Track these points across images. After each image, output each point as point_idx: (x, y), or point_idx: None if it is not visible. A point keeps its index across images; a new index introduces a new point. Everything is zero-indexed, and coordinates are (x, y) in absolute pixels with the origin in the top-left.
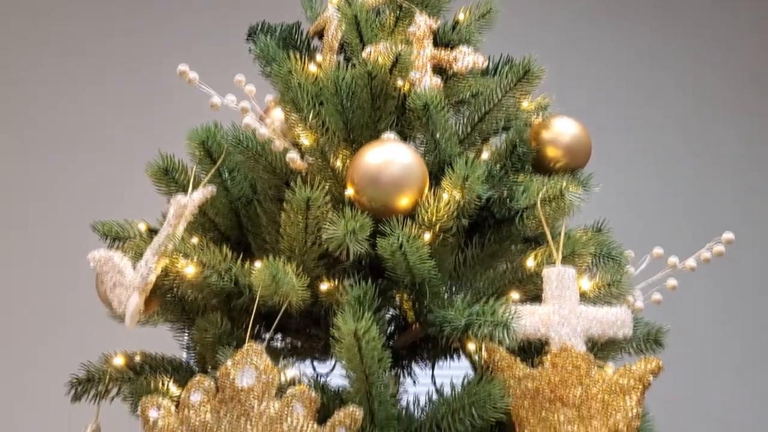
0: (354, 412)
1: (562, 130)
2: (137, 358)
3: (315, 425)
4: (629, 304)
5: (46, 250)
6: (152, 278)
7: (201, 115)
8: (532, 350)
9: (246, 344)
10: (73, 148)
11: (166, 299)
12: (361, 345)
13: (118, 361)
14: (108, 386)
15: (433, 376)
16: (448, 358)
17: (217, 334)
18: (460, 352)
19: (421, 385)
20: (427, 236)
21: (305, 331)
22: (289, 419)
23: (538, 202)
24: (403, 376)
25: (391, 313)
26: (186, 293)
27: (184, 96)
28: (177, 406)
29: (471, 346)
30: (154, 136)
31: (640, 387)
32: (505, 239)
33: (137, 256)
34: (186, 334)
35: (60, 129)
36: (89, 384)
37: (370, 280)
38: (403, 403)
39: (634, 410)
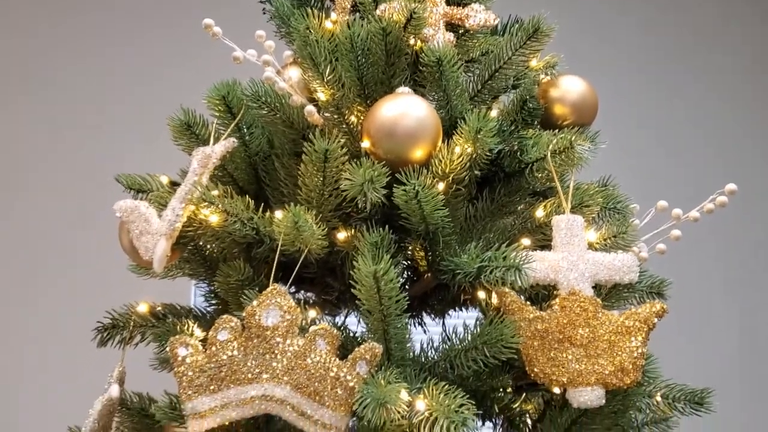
0: (374, 347)
1: (569, 88)
2: (159, 308)
3: (337, 360)
4: (635, 254)
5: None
6: (179, 224)
7: (217, 75)
8: (539, 299)
9: (270, 286)
10: (93, 106)
11: (188, 251)
12: (380, 286)
13: (142, 308)
14: (132, 332)
15: (444, 325)
16: (458, 309)
17: (240, 279)
18: (470, 303)
19: (433, 334)
20: (441, 186)
21: (321, 282)
22: (312, 354)
23: (548, 154)
24: (414, 326)
25: (403, 264)
26: (207, 244)
27: (202, 55)
28: (204, 345)
29: (481, 294)
30: (171, 94)
31: (645, 328)
32: (514, 192)
33: (161, 207)
34: (206, 285)
35: (81, 88)
36: (114, 330)
37: (386, 227)
38: (417, 346)
39: (639, 350)
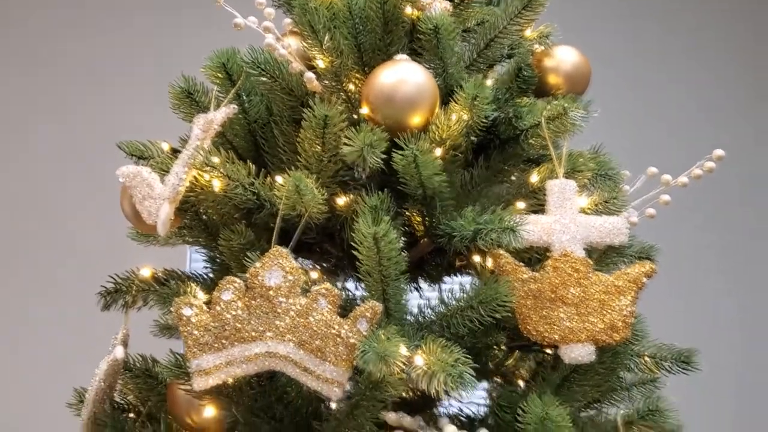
0: (375, 305)
1: (563, 59)
2: (160, 274)
3: (338, 318)
4: (625, 218)
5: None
6: (182, 188)
7: (217, 43)
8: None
9: (272, 248)
10: (94, 76)
11: (189, 218)
12: (380, 247)
13: (145, 272)
14: (135, 296)
15: (440, 290)
16: (454, 275)
17: (242, 243)
18: (465, 269)
19: (430, 299)
20: (438, 152)
21: (319, 249)
22: (314, 313)
23: (543, 121)
24: (410, 291)
25: (401, 229)
26: (208, 210)
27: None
28: (208, 306)
29: (476, 258)
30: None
31: (635, 288)
32: (509, 159)
33: (163, 173)
34: (206, 252)
35: (84, 56)
36: (117, 294)
37: (385, 191)
38: (415, 309)
39: (629, 308)
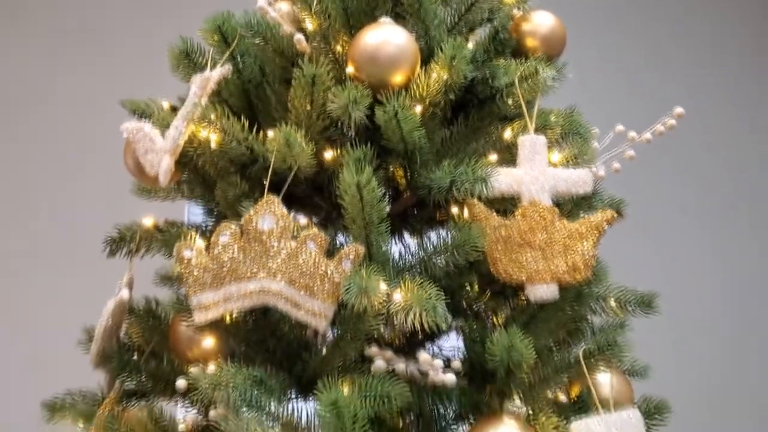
0: (357, 247)
1: (540, 23)
2: (161, 224)
3: (325, 259)
4: (593, 173)
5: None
6: (181, 141)
7: (212, 7)
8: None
9: (265, 196)
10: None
11: (187, 173)
12: (363, 194)
13: (147, 221)
14: (138, 244)
15: (421, 240)
16: (435, 228)
17: (237, 194)
18: (445, 222)
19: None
20: (419, 109)
21: (309, 202)
22: (303, 254)
23: (516, 80)
24: (395, 244)
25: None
26: (205, 165)
27: None
28: (207, 249)
29: (454, 210)
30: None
31: (596, 233)
32: (486, 117)
33: (163, 128)
34: (203, 206)
35: (85, 19)
36: (122, 242)
37: (369, 145)
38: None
39: (590, 252)
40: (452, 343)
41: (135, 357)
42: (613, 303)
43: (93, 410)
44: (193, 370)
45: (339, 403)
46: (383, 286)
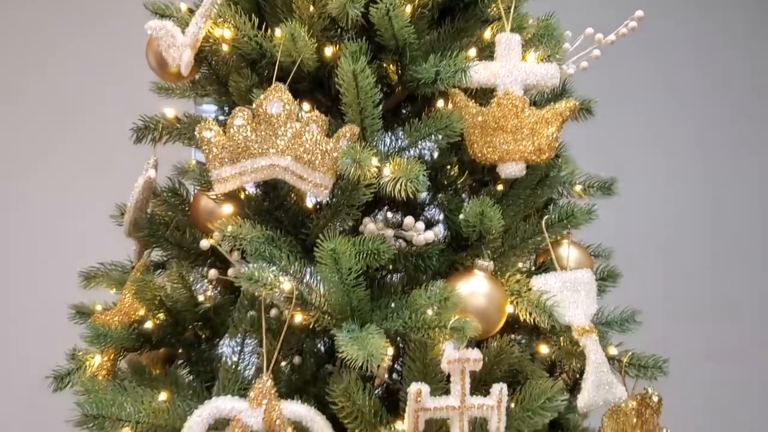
0: (353, 127)
1: None
2: (181, 116)
3: (325, 138)
4: (564, 72)
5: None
6: (201, 35)
7: None
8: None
9: (273, 84)
10: None
11: (202, 73)
12: (358, 81)
13: (169, 112)
14: (162, 132)
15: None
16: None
17: (248, 84)
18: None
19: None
20: (408, 9)
21: (311, 98)
22: (307, 134)
23: None
24: (389, 137)
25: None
26: (219, 62)
27: None
28: (223, 130)
29: (440, 103)
30: None
31: (560, 119)
32: (470, 19)
33: (182, 27)
34: (216, 101)
35: None
36: (146, 131)
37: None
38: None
39: (554, 135)
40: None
41: (161, 231)
42: (578, 187)
43: (124, 278)
44: (216, 225)
45: (337, 250)
46: (375, 160)
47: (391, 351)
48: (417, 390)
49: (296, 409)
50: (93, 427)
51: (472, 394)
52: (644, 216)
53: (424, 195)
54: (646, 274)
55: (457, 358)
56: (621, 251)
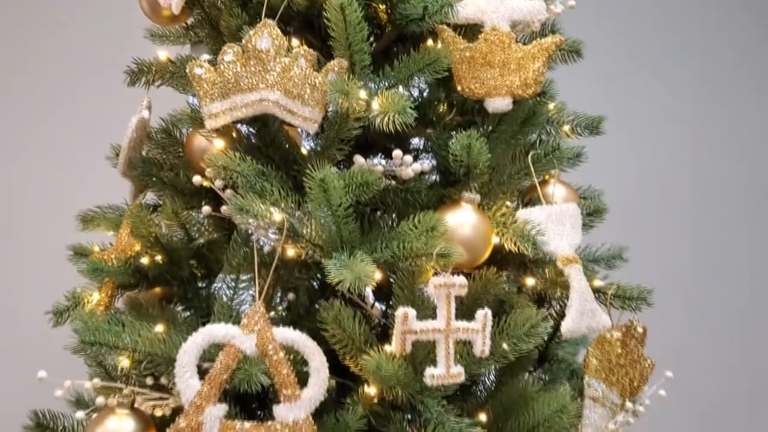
0: (341, 61)
1: None
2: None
3: (314, 72)
4: (551, 11)
5: None
6: None
7: None
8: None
9: (262, 20)
10: None
11: (195, 19)
12: (346, 15)
13: (161, 55)
14: (155, 75)
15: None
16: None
17: (239, 23)
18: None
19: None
20: None
21: (302, 39)
22: (296, 68)
23: None
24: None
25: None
26: (212, 4)
27: None
28: (214, 66)
29: (430, 42)
30: None
31: (546, 54)
32: None
33: None
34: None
35: None
36: (140, 74)
37: None
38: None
39: (540, 70)
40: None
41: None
42: (566, 127)
43: (121, 220)
44: (208, 158)
45: (326, 180)
46: (363, 94)
47: (379, 276)
48: (404, 313)
49: (288, 334)
50: (90, 354)
51: (457, 319)
52: (632, 158)
53: (416, 141)
54: (636, 214)
55: (443, 282)
56: (610, 192)
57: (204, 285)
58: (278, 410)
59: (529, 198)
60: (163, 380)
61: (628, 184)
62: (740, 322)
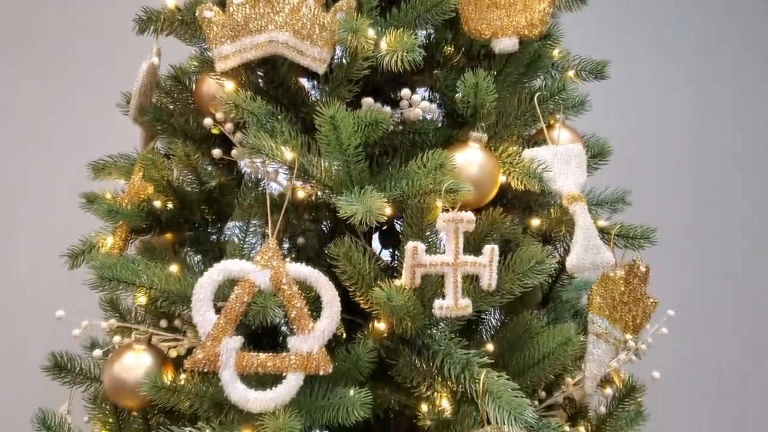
0: (350, 1)
1: None
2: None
3: (323, 12)
4: None
5: None
6: None
7: None
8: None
9: None
10: None
11: None
12: None
13: (169, 3)
14: (163, 24)
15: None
16: None
17: None
18: None
19: None
20: None
21: None
22: (304, 8)
23: None
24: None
25: None
26: None
27: None
28: (223, 9)
29: None
30: None
31: None
32: None
33: None
34: None
35: None
36: (149, 22)
37: None
38: None
39: (546, 10)
40: None
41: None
42: (571, 72)
43: (131, 168)
44: (219, 96)
45: (336, 117)
46: (371, 33)
47: (389, 211)
48: (414, 246)
49: (301, 269)
50: (107, 290)
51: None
52: (637, 104)
53: (421, 91)
54: (638, 158)
55: (451, 217)
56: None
57: (215, 230)
58: (292, 342)
59: (534, 141)
60: (177, 323)
61: (629, 136)
62: (742, 260)
